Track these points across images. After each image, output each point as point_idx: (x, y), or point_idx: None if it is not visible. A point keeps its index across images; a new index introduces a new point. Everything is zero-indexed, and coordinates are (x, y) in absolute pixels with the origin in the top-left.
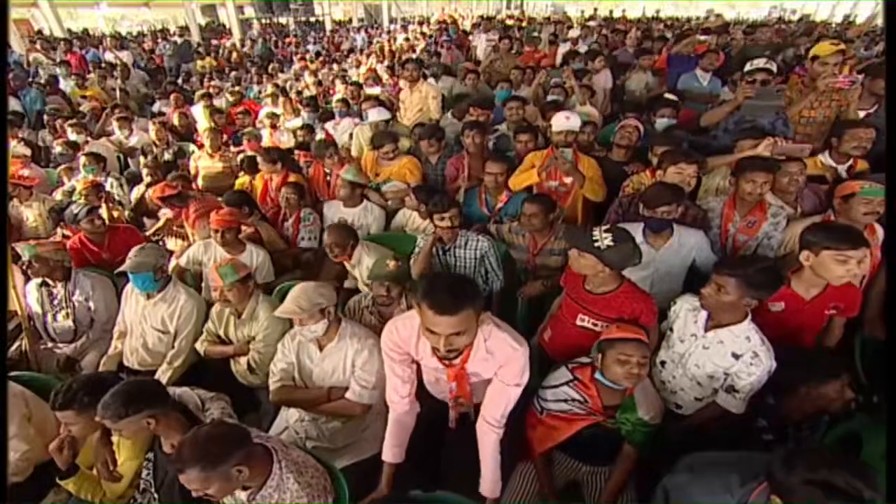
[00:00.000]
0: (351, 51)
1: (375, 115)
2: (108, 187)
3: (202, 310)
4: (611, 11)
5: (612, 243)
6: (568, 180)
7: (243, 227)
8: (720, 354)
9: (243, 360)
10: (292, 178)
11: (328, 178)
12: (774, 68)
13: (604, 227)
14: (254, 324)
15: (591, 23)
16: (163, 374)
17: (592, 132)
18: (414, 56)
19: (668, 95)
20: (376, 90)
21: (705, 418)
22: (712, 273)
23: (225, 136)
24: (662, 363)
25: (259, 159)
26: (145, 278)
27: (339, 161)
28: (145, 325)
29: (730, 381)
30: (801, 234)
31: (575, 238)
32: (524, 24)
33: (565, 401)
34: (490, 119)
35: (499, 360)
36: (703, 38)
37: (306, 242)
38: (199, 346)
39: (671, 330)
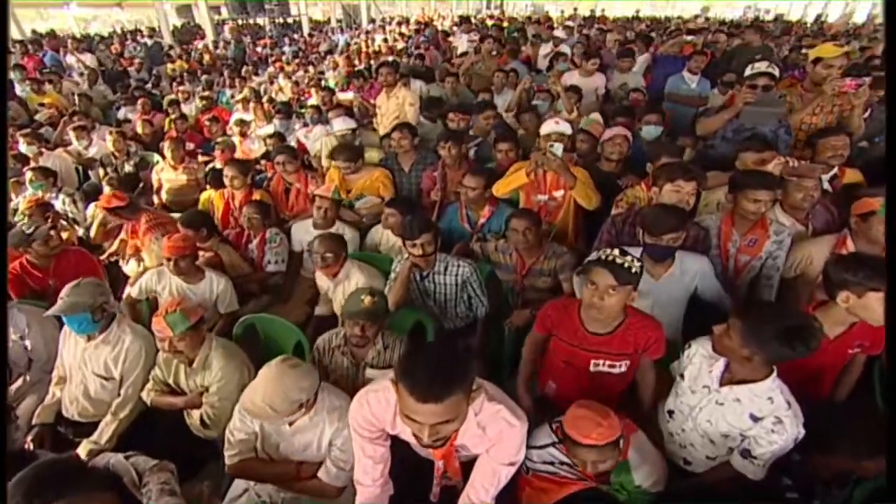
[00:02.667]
0: (329, 52)
1: (340, 124)
2: (59, 205)
3: (151, 352)
4: (591, 11)
5: (640, 264)
6: (558, 194)
7: (201, 252)
8: (735, 414)
9: (196, 413)
10: (256, 195)
11: (287, 190)
12: (777, 72)
13: (618, 252)
14: (206, 373)
15: (570, 22)
16: (107, 427)
17: (586, 140)
18: (391, 59)
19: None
20: (349, 95)
21: (718, 479)
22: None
23: (192, 145)
24: (670, 413)
25: (226, 170)
26: (81, 320)
27: (297, 171)
28: (86, 371)
29: (746, 444)
30: (833, 269)
31: (612, 272)
32: (505, 24)
33: (552, 463)
34: (469, 125)
35: (492, 437)
36: (689, 38)
37: (273, 266)
38: (146, 396)
39: (682, 377)
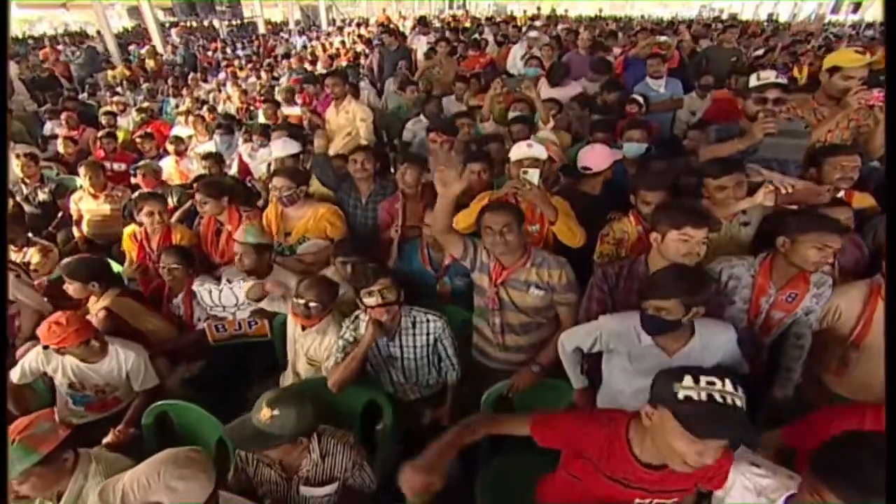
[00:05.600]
0: (286, 55)
1: (280, 148)
2: None
3: None
4: (554, 10)
5: (743, 408)
6: (533, 228)
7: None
8: None
9: None
10: (177, 235)
11: (219, 232)
12: (785, 81)
13: (729, 386)
14: None
15: (537, 22)
16: None
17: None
18: (344, 63)
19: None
20: (295, 110)
21: None
22: (812, 481)
23: (123, 166)
24: None
25: (137, 203)
26: None
27: (225, 209)
28: None
29: None
30: None
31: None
32: (468, 24)
33: None
34: (453, 146)
35: None
36: (662, 38)
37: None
38: None
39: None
